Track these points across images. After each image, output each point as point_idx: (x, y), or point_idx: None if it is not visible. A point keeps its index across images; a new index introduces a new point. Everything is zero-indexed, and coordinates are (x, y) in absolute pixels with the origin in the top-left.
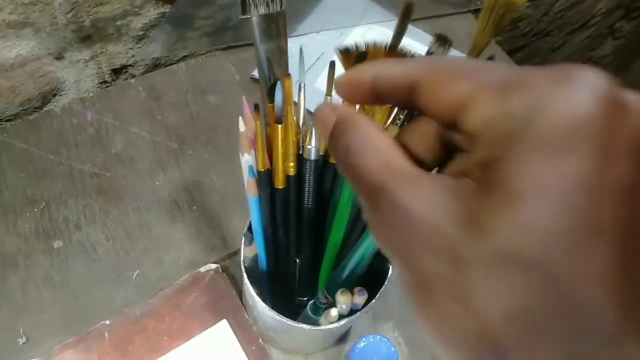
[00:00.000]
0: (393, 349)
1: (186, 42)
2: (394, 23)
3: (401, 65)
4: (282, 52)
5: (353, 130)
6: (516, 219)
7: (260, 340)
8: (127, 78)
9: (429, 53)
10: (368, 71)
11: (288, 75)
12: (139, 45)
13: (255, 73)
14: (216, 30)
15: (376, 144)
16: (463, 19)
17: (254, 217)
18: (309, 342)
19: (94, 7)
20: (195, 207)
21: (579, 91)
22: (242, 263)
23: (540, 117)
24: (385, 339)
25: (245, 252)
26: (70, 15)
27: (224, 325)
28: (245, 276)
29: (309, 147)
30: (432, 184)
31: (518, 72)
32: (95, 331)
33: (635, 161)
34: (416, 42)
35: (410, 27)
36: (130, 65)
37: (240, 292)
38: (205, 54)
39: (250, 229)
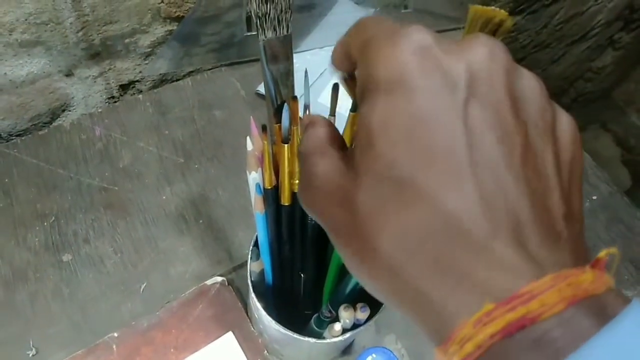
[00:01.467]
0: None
1: (192, 58)
2: None
3: (350, 30)
4: (289, 74)
5: (311, 126)
6: (374, 156)
7: (266, 352)
8: (134, 93)
9: None
10: (343, 39)
11: (294, 97)
12: (146, 62)
13: (260, 89)
14: (221, 47)
15: (319, 133)
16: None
17: (261, 233)
18: (314, 354)
19: (104, 25)
20: (201, 221)
21: (403, 46)
22: (248, 277)
23: (375, 70)
24: (389, 351)
25: (252, 267)
26: (80, 34)
27: (229, 338)
28: (251, 290)
29: None
30: (340, 157)
31: (373, 34)
32: (103, 343)
33: (465, 74)
34: None
35: None
36: (137, 81)
37: (245, 305)
38: (211, 69)
39: (256, 244)
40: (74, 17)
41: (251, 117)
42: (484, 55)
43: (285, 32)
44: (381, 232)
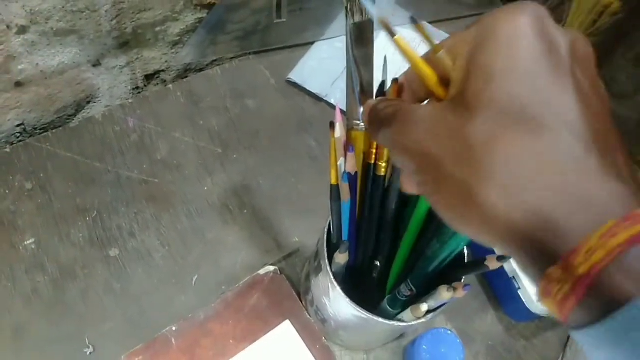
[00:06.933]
0: (458, 340)
1: (216, 47)
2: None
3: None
4: (369, 58)
5: (382, 102)
6: (496, 89)
7: (324, 339)
8: (158, 83)
9: None
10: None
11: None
12: (173, 51)
13: (292, 76)
14: (246, 35)
15: (395, 102)
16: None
17: (343, 220)
18: (378, 337)
19: (138, 13)
20: (246, 211)
21: (522, 11)
22: (329, 268)
23: (494, 27)
24: (449, 332)
25: (338, 259)
26: (114, 22)
27: (287, 326)
28: (333, 278)
29: None
30: (428, 104)
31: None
32: (161, 337)
33: (568, 46)
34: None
35: (431, 29)
36: (162, 71)
37: (298, 293)
38: (237, 57)
39: (329, 234)
40: (110, 5)
41: (337, 105)
42: (581, 39)
43: (369, 17)
44: (502, 155)
